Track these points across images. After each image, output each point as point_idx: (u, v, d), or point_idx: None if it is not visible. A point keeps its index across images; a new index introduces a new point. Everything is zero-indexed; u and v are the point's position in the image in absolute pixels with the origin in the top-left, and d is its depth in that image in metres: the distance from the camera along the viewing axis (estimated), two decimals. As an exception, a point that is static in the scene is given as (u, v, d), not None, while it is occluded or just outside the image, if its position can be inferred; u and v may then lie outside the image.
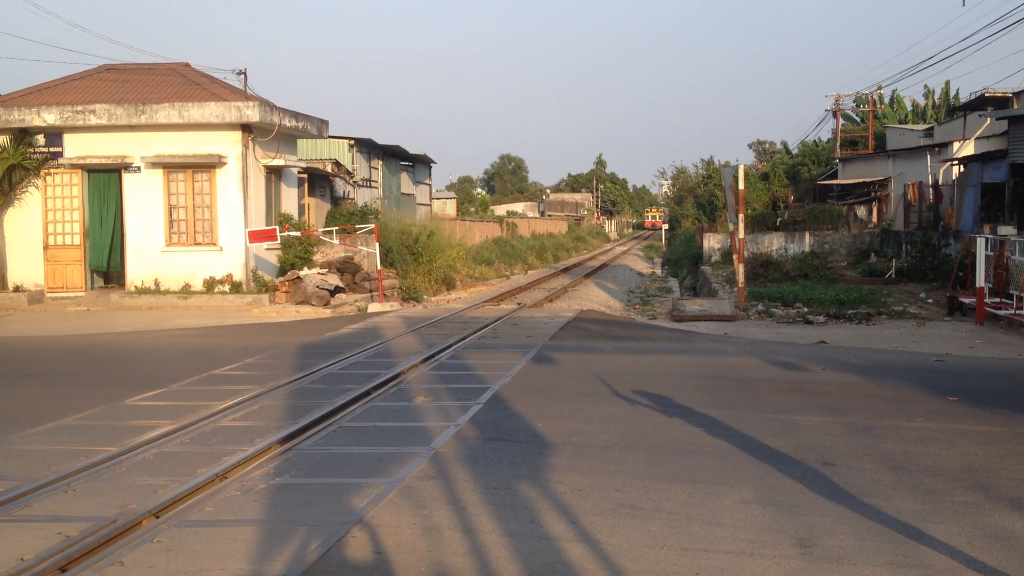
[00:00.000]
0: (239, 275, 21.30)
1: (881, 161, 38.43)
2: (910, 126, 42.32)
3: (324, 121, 24.69)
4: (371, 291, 22.03)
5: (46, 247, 22.03)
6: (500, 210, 75.21)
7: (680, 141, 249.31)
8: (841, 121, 50.10)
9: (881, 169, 38.00)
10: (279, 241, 21.21)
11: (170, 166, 21.39)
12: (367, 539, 5.63)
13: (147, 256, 21.45)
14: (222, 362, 12.59)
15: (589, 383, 11.08)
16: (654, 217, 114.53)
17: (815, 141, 55.81)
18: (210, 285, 21.11)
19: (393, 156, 40.43)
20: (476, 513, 6.11)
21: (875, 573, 5.10)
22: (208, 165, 21.25)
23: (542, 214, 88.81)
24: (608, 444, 8.00)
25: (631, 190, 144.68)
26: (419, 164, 46.22)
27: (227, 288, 21.06)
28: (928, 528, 5.81)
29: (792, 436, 8.25)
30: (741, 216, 20.21)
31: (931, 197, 30.70)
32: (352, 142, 34.21)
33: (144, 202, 21.45)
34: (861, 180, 39.07)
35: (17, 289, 21.79)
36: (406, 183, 43.53)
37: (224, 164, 21.20)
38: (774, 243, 32.43)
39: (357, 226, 24.08)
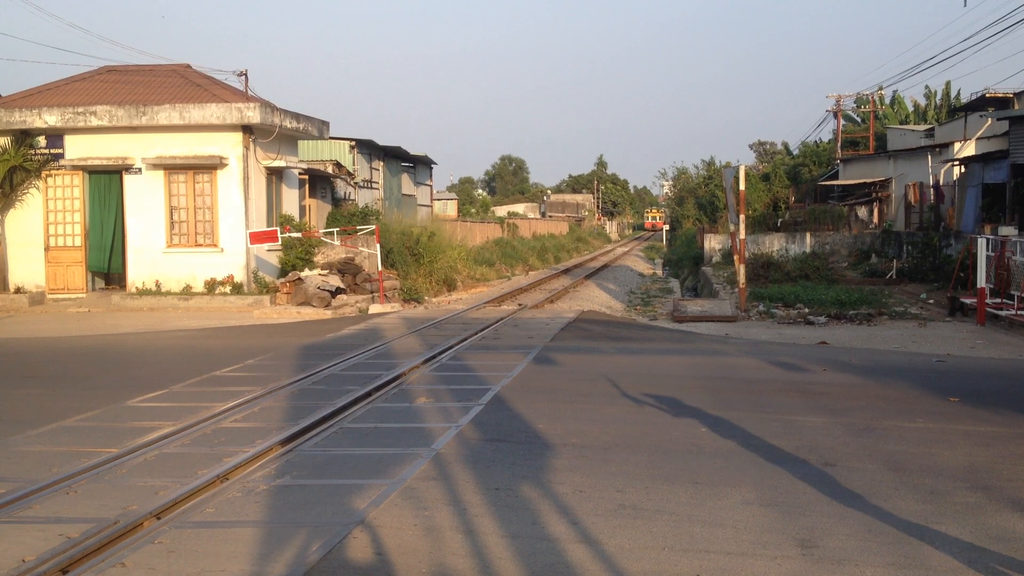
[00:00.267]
0: (240, 276, 21.31)
1: (882, 162, 38.43)
2: (911, 127, 42.28)
3: (325, 122, 24.71)
4: (372, 292, 22.04)
5: (47, 248, 22.05)
6: (501, 211, 75.24)
7: (681, 142, 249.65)
8: (842, 122, 50.06)
9: (882, 170, 37.99)
10: (280, 242, 21.22)
11: (171, 167, 21.40)
12: (368, 540, 5.63)
13: (148, 257, 21.46)
14: (223, 363, 12.60)
15: (590, 384, 11.08)
16: (654, 218, 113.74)
17: (816, 142, 55.86)
18: (211, 286, 21.12)
19: (394, 157, 40.45)
20: (477, 514, 6.11)
21: (877, 574, 5.10)
22: (209, 166, 21.27)
23: (543, 215, 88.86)
24: (609, 445, 8.00)
25: (632, 191, 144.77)
26: (420, 165, 46.24)
27: (228, 289, 21.07)
28: (930, 529, 5.80)
29: (793, 437, 8.24)
30: (742, 217, 20.20)
31: (932, 198, 30.69)
32: (353, 143, 34.22)
33: (145, 203, 21.46)
34: (862, 181, 39.07)
35: (18, 290, 21.81)
36: (407, 184, 43.55)
37: (225, 165, 21.22)
38: (775, 244, 32.41)
39: (358, 227, 24.08)
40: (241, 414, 9.32)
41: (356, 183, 32.90)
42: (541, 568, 5.19)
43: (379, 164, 38.14)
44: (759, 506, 6.28)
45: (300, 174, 25.05)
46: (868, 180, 38.62)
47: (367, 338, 15.39)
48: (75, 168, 21.74)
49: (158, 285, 21.32)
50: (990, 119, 29.52)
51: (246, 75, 24.52)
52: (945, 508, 6.23)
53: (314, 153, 32.60)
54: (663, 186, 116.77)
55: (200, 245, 21.50)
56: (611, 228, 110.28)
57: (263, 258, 22.03)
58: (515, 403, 9.76)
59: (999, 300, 17.23)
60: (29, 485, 6.76)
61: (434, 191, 54.54)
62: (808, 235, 33.09)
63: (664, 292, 30.19)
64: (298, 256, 22.05)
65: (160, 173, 21.44)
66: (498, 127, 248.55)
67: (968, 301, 18.04)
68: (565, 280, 33.54)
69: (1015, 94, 31.94)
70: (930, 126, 39.08)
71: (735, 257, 21.91)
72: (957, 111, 39.57)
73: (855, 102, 51.28)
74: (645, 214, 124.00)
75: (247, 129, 21.28)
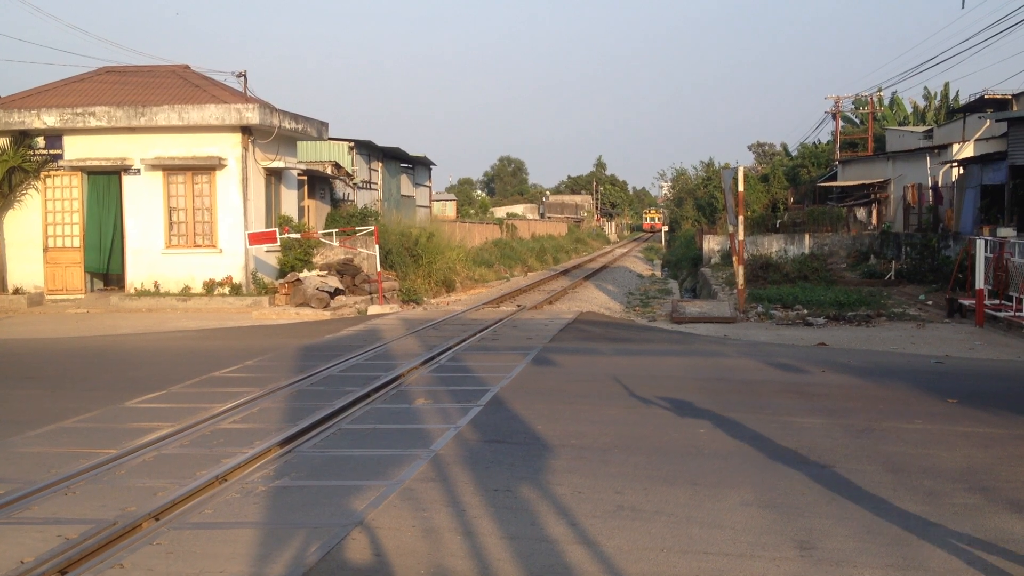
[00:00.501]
0: (239, 277, 21.30)
1: (881, 163, 38.45)
2: (910, 128, 42.30)
3: (324, 123, 24.71)
4: (371, 293, 22.04)
5: (46, 249, 22.04)
6: (500, 212, 75.18)
7: (680, 143, 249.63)
8: (841, 123, 50.09)
9: (881, 171, 38.01)
10: (279, 243, 21.21)
11: (170, 168, 21.40)
12: (367, 541, 5.63)
13: (147, 258, 21.45)
14: (222, 364, 12.60)
15: (589, 385, 11.08)
16: (653, 219, 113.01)
17: (815, 143, 55.90)
18: (210, 287, 21.12)
19: (393, 158, 40.45)
20: (476, 515, 6.12)
21: (876, 575, 5.10)
22: (208, 167, 21.27)
23: (542, 216, 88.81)
24: (608, 446, 8.00)
25: (631, 192, 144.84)
26: (419, 166, 46.25)
27: (227, 290, 21.07)
28: (928, 530, 5.81)
29: (792, 438, 8.25)
30: (741, 218, 20.20)
31: (931, 199, 30.70)
32: (352, 144, 34.23)
33: (144, 204, 21.46)
34: (861, 182, 39.08)
35: (17, 291, 21.79)
36: (406, 185, 43.56)
37: (224, 166, 21.21)
38: (774, 245, 32.43)
39: (357, 228, 24.08)
40: (240, 415, 9.32)
41: (355, 184, 32.91)
42: (540, 569, 5.19)
43: (378, 165, 38.15)
44: (758, 507, 6.28)
45: (299, 175, 25.06)
46: (867, 181, 38.64)
47: (366, 339, 15.39)
48: (74, 169, 21.74)
49: (157, 286, 21.31)
50: (989, 120, 29.54)
51: (245, 76, 24.50)
52: (944, 509, 6.24)
53: (313, 154, 32.60)
54: (662, 187, 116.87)
55: (199, 246, 21.49)
56: (610, 229, 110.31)
57: (262, 259, 22.02)
58: (514, 404, 9.76)
59: (998, 301, 17.24)
60: (28, 486, 6.76)
61: (433, 192, 54.55)
62: (807, 236, 33.11)
63: (663, 293, 30.18)
64: (297, 257, 22.05)
65: (159, 174, 21.43)
66: (497, 128, 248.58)
67: (967, 302, 18.05)
68: (564, 281, 33.53)
69: (1014, 95, 31.96)
70: (929, 127, 39.11)
71: (734, 258, 21.91)
72: (956, 112, 39.61)
73: (854, 103, 51.32)
74: (644, 215, 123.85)
75: (246, 130, 21.28)
